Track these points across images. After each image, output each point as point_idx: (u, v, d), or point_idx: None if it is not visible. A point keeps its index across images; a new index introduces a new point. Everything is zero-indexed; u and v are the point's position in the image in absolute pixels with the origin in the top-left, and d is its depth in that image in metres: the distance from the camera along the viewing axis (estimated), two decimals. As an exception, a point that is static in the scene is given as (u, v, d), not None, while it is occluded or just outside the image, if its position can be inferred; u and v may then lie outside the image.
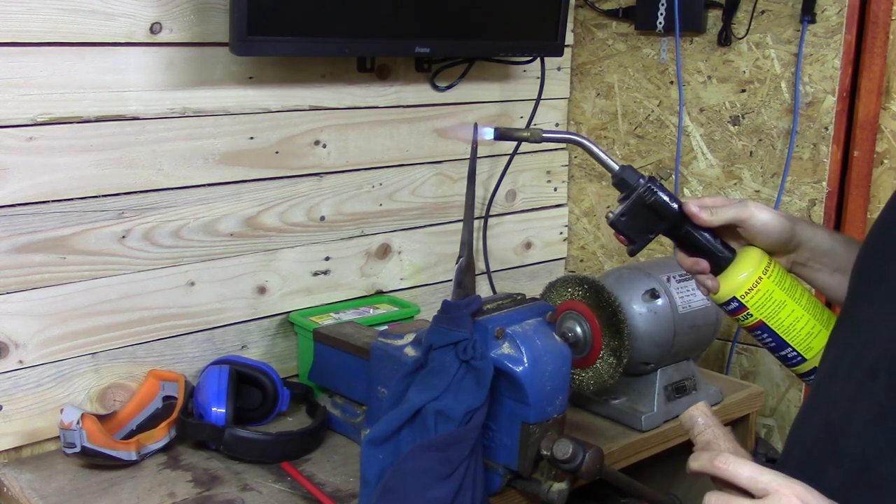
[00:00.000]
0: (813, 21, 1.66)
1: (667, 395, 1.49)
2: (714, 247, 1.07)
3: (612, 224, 1.08)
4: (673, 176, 1.89)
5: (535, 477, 1.22)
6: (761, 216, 1.04)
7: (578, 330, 1.41)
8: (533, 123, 1.92)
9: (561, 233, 2.11)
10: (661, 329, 1.43)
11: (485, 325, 1.17)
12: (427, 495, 1.07)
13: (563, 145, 2.06)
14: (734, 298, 1.05)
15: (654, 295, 1.43)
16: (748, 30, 1.74)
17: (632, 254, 1.11)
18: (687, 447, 1.60)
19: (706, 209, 1.05)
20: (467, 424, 1.11)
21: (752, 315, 1.05)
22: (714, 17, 1.79)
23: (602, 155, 1.10)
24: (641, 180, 1.07)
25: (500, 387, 1.18)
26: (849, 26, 1.63)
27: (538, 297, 1.42)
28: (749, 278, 1.04)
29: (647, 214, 1.06)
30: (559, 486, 1.20)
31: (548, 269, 2.10)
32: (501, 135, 1.21)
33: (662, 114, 1.91)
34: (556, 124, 2.04)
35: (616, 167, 1.09)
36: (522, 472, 1.21)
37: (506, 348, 1.17)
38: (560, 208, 2.10)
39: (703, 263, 1.07)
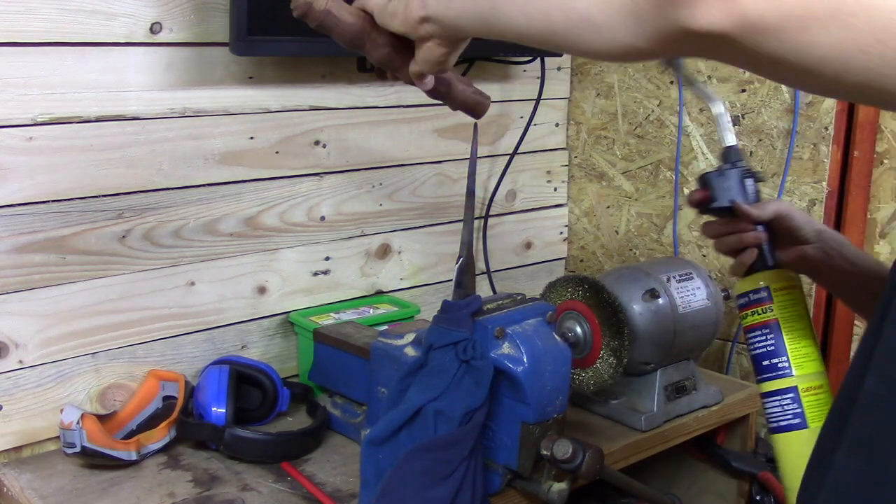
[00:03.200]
0: (813, 21, 1.65)
1: (667, 395, 1.49)
2: (771, 247, 1.15)
3: (705, 175, 1.17)
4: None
5: (535, 477, 1.22)
6: (797, 210, 1.17)
7: (578, 330, 1.41)
8: (533, 123, 1.93)
9: (561, 233, 2.11)
10: (661, 329, 1.43)
11: (485, 325, 1.17)
12: (427, 495, 1.07)
13: (563, 145, 2.06)
14: (766, 288, 1.10)
15: (654, 295, 1.43)
16: (748, 30, 1.74)
17: (703, 212, 1.19)
18: (687, 447, 1.61)
19: (754, 206, 1.16)
20: (467, 424, 1.12)
21: (771, 310, 1.09)
22: (714, 17, 1.79)
23: (726, 123, 1.20)
24: (744, 163, 1.18)
25: (500, 387, 1.18)
26: (849, 26, 1.63)
27: (538, 297, 1.42)
28: (789, 277, 1.11)
29: (731, 189, 1.16)
30: (559, 486, 1.20)
31: (548, 269, 2.10)
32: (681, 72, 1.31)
33: (662, 114, 1.91)
34: (556, 124, 2.04)
35: (732, 141, 1.19)
36: (522, 472, 1.21)
37: (506, 348, 1.17)
38: (560, 208, 2.10)
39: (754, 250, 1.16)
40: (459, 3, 0.82)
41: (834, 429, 0.74)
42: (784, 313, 1.08)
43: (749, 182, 1.16)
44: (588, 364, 1.41)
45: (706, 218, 1.21)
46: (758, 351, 1.09)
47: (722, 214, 1.17)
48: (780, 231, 1.15)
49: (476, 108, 1.02)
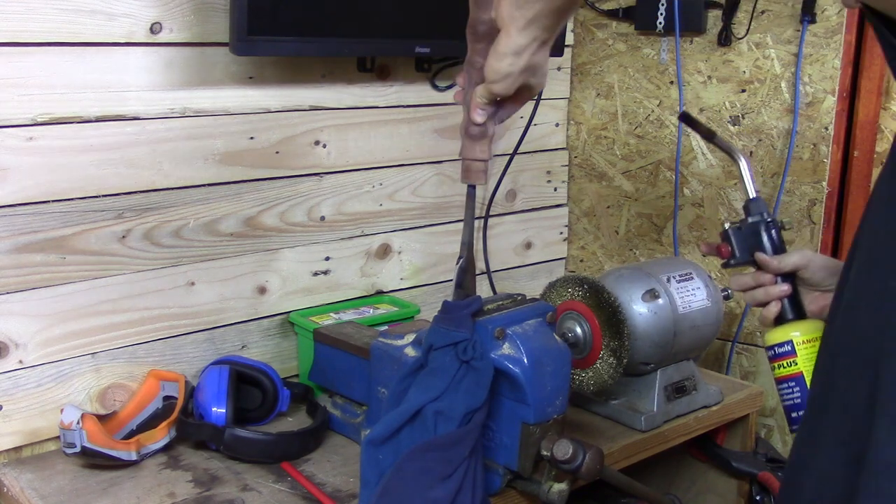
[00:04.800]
0: (813, 21, 1.66)
1: (667, 395, 1.49)
2: (797, 298, 1.17)
3: (725, 231, 1.21)
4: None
5: (535, 477, 1.22)
6: (818, 257, 1.19)
7: (578, 330, 1.41)
8: (533, 123, 1.92)
9: (561, 233, 2.11)
10: (661, 329, 1.43)
11: (485, 325, 1.17)
12: (427, 495, 1.07)
13: (563, 145, 2.06)
14: (790, 342, 1.12)
15: (654, 295, 1.43)
16: (748, 30, 1.74)
17: (725, 266, 1.23)
18: (687, 447, 1.61)
19: (775, 258, 1.19)
20: (467, 425, 1.11)
21: (795, 363, 1.11)
22: (714, 17, 1.79)
23: (748, 176, 1.24)
24: (766, 214, 1.21)
25: (500, 387, 1.18)
26: (849, 26, 1.63)
27: (538, 297, 1.42)
28: (813, 329, 1.13)
29: (753, 242, 1.20)
30: (559, 487, 1.20)
31: (548, 269, 2.10)
32: (684, 116, 1.37)
33: (662, 114, 1.91)
34: (556, 124, 2.04)
35: (754, 193, 1.23)
36: (522, 472, 1.21)
37: (506, 349, 1.17)
38: (560, 208, 2.10)
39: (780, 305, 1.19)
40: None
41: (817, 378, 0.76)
42: (809, 366, 1.10)
43: (773, 232, 1.18)
44: (588, 364, 1.41)
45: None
46: (786, 403, 1.12)
47: (746, 267, 1.20)
48: (804, 280, 1.16)
49: (473, 174, 1.07)
